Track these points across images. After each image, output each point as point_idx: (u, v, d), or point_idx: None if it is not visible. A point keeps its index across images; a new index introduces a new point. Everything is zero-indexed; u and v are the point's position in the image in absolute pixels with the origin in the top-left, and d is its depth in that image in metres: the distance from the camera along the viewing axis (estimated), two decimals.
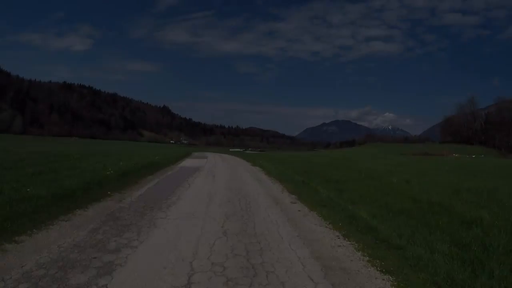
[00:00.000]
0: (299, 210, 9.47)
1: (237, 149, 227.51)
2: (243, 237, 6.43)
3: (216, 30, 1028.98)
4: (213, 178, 16.65)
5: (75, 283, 4.12)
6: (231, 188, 13.22)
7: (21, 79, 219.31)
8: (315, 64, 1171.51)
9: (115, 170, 14.43)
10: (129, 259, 5.02)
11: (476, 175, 20.39)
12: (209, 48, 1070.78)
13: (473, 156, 71.92)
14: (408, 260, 5.28)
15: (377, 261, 5.40)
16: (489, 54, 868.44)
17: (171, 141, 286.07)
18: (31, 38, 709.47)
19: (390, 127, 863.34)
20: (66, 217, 7.24)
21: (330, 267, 5.07)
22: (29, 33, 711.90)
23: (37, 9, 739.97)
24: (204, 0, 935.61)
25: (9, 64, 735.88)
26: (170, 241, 6.03)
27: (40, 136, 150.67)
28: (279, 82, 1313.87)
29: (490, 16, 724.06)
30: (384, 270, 5.02)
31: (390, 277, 4.78)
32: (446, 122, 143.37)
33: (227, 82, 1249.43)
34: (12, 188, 8.63)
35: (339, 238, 6.72)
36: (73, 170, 13.94)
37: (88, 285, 4.10)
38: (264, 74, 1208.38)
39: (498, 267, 4.78)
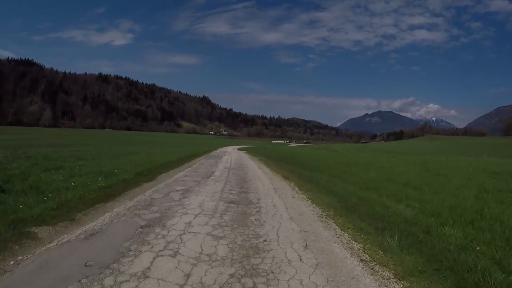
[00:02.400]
0: None
1: (280, 141, 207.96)
2: None
3: (257, 21, 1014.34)
4: None
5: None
6: None
7: (54, 71, 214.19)
8: (357, 54, 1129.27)
9: None
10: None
11: None
12: (250, 39, 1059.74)
13: None
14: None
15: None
16: None
17: (210, 132, 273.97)
18: (73, 35, 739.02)
19: (434, 119, 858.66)
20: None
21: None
22: (71, 30, 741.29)
23: (78, 6, 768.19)
24: None
25: (52, 60, 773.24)
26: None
27: (69, 128, 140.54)
28: (321, 73, 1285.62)
29: None
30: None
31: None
32: None
33: (268, 73, 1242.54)
34: None
35: None
36: None
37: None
38: (305, 65, 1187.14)
39: None
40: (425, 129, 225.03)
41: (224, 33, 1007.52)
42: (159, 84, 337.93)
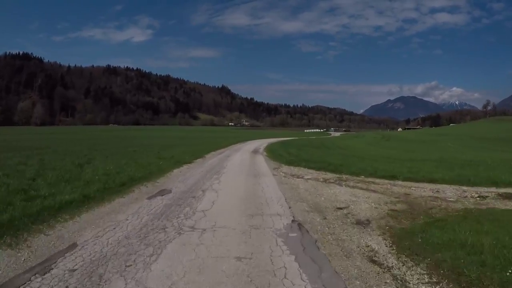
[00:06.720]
0: None
1: (313, 130, 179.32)
2: None
3: (276, 11, 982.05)
4: None
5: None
6: None
7: (58, 65, 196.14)
8: (378, 40, 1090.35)
9: None
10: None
11: None
12: (270, 30, 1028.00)
13: None
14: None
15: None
16: None
17: (230, 124, 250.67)
18: (92, 33, 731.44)
19: (457, 102, 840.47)
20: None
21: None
22: (90, 29, 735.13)
23: (96, 5, 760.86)
24: None
25: (71, 59, 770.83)
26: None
27: (63, 126, 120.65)
28: (342, 60, 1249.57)
29: None
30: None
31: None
32: None
33: (289, 62, 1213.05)
34: None
35: None
36: None
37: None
38: (326, 53, 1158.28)
39: None
40: (487, 111, 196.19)
41: (244, 25, 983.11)
42: (175, 76, 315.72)
